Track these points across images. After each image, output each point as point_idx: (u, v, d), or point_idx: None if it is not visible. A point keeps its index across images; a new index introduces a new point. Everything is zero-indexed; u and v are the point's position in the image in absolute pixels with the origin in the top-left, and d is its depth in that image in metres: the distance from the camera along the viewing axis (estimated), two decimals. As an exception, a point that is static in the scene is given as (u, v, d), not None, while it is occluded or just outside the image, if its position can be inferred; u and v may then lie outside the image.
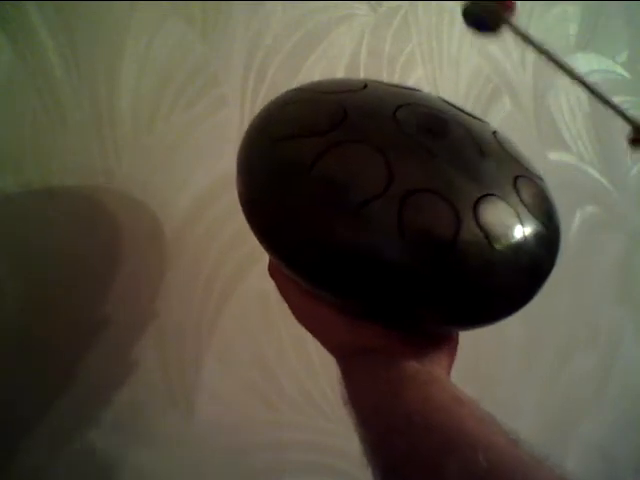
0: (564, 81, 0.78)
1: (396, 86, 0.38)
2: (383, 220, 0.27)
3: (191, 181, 0.51)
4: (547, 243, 0.31)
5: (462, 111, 0.36)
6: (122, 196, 0.48)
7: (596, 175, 0.83)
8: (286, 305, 0.37)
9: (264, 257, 0.56)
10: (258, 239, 0.32)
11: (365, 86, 0.35)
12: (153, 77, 0.48)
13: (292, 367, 0.57)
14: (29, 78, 0.43)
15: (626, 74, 0.85)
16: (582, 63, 0.80)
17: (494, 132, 0.35)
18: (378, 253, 0.27)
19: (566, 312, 0.82)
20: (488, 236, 0.27)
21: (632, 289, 0.90)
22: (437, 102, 0.36)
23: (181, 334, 0.51)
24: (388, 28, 0.62)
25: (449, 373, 0.32)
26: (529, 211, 0.30)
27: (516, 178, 0.31)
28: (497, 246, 0.28)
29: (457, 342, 0.34)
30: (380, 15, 0.61)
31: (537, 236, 0.30)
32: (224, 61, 0.51)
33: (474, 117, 0.36)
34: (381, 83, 0.38)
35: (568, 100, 0.79)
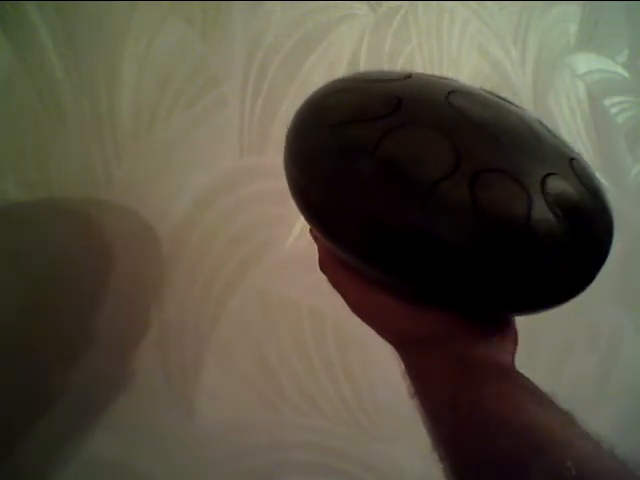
0: (564, 81, 0.79)
1: (437, 76, 0.38)
2: (455, 199, 0.27)
3: (191, 181, 0.51)
4: (608, 224, 0.31)
5: (504, 99, 0.36)
6: (122, 196, 0.48)
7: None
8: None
9: (264, 257, 0.56)
10: (317, 227, 0.32)
11: (410, 76, 0.35)
12: (153, 77, 0.48)
13: (292, 367, 0.57)
14: (29, 78, 0.43)
15: (626, 74, 0.85)
16: (582, 63, 0.80)
17: (539, 120, 0.36)
18: (451, 232, 0.27)
19: (566, 312, 0.81)
20: (557, 214, 0.28)
21: (632, 289, 0.90)
22: (480, 90, 0.36)
23: (181, 334, 0.51)
24: (388, 28, 0.62)
25: (514, 361, 0.31)
26: (589, 191, 0.30)
27: (571, 160, 0.31)
28: (566, 225, 0.28)
29: (516, 329, 0.33)
30: (380, 15, 0.61)
31: (599, 216, 0.30)
32: (224, 61, 0.51)
33: (517, 105, 0.36)
34: (423, 73, 0.38)
35: (568, 100, 0.79)
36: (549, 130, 0.34)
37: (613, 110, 0.83)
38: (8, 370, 0.44)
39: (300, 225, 0.56)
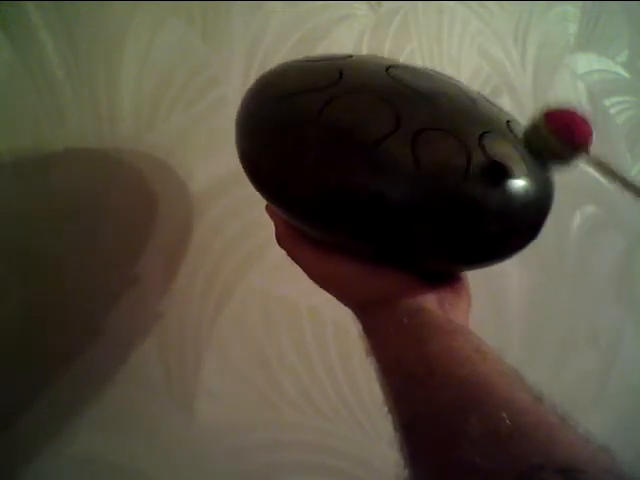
0: (564, 81, 0.79)
1: (379, 56, 0.41)
2: (398, 156, 0.28)
3: (191, 181, 0.51)
4: (546, 178, 0.32)
5: (444, 74, 0.38)
6: (122, 196, 0.48)
7: (596, 175, 0.83)
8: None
9: (264, 257, 0.56)
10: (267, 196, 0.34)
11: (351, 56, 0.37)
12: (153, 77, 0.48)
13: (292, 367, 0.57)
14: (29, 78, 0.43)
15: (626, 74, 0.85)
16: (582, 63, 0.80)
17: (478, 91, 0.38)
18: (394, 188, 0.28)
19: (566, 312, 0.82)
20: (496, 170, 0.29)
21: (632, 289, 0.90)
22: (421, 67, 0.39)
23: (181, 334, 0.51)
24: (388, 28, 0.62)
25: (468, 319, 0.32)
26: (526, 148, 0.31)
27: (508, 122, 0.33)
28: (504, 179, 0.29)
29: (469, 290, 0.35)
30: (380, 15, 0.61)
31: (537, 170, 0.31)
32: (224, 61, 0.51)
33: (457, 80, 0.38)
34: (365, 54, 0.39)
35: (568, 100, 0.79)
36: (487, 99, 0.36)
37: (613, 110, 0.83)
38: (8, 370, 0.44)
39: (300, 225, 0.56)
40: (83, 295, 0.46)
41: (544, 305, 0.79)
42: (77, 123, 0.45)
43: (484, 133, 0.30)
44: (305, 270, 0.36)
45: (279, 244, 0.37)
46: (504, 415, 0.22)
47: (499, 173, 0.29)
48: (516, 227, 0.31)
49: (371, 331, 0.32)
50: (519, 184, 0.29)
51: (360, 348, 0.61)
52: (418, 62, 0.64)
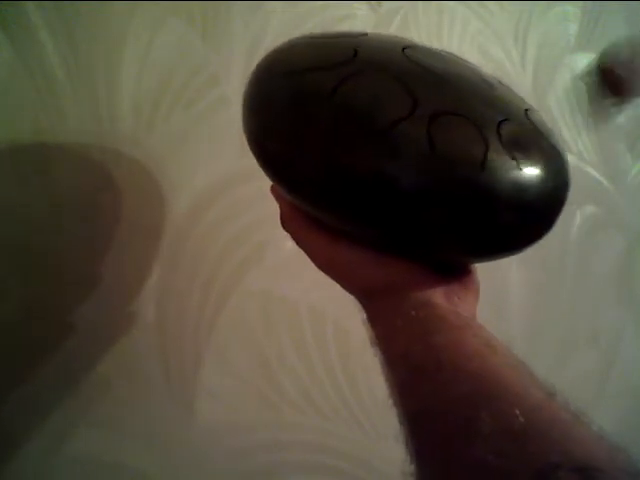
0: (564, 81, 0.78)
1: (393, 35, 0.39)
2: (413, 139, 0.27)
3: (191, 181, 0.51)
4: (564, 168, 0.31)
5: (461, 58, 0.37)
6: (122, 196, 0.48)
7: (596, 175, 0.83)
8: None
9: (264, 257, 0.56)
10: (274, 175, 0.32)
11: (366, 34, 0.35)
12: (153, 77, 0.48)
13: (292, 367, 0.57)
14: (29, 78, 0.43)
15: (626, 74, 0.85)
16: (582, 63, 0.80)
17: (495, 76, 0.36)
18: (408, 172, 0.27)
19: (566, 312, 0.81)
20: (514, 157, 0.28)
21: (632, 289, 0.90)
22: (437, 49, 0.37)
23: (181, 334, 0.51)
24: (388, 28, 0.62)
25: (475, 313, 0.32)
26: (543, 137, 0.31)
27: (526, 110, 0.32)
28: (522, 167, 0.28)
29: (479, 282, 0.34)
30: (380, 15, 0.61)
31: (555, 160, 0.30)
32: (224, 61, 0.51)
33: (474, 65, 0.37)
34: (380, 33, 0.38)
35: (568, 100, 0.79)
36: (505, 85, 0.35)
37: (613, 110, 0.83)
38: (8, 370, 0.44)
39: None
40: (83, 295, 0.46)
41: (544, 305, 0.79)
42: (77, 123, 0.45)
43: (502, 120, 0.29)
44: (309, 254, 0.35)
45: (283, 227, 0.36)
46: (517, 412, 0.22)
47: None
48: (531, 218, 0.30)
49: (376, 320, 0.31)
50: (536, 174, 0.28)
51: (360, 348, 0.61)
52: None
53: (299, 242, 0.35)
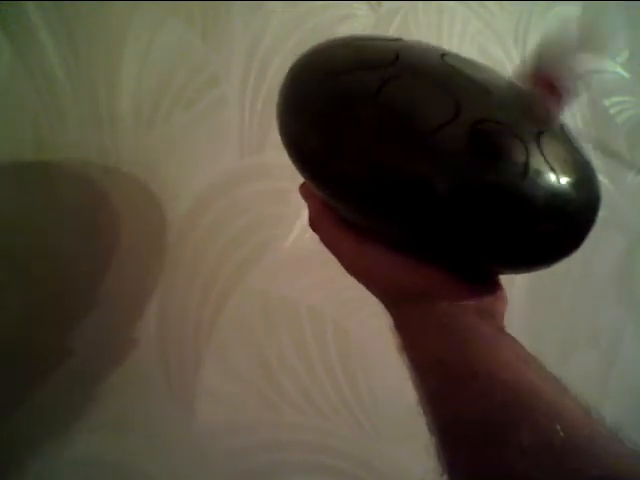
0: (564, 81, 0.78)
1: (429, 44, 0.40)
2: (456, 145, 0.27)
3: (191, 181, 0.51)
4: (596, 181, 0.32)
5: (491, 68, 0.37)
6: (122, 196, 0.48)
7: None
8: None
9: (264, 257, 0.56)
10: (310, 174, 0.32)
11: (399, 39, 0.36)
12: (153, 77, 0.48)
13: (292, 367, 0.57)
14: (29, 78, 0.43)
15: (626, 74, 0.85)
16: (582, 63, 0.80)
17: (528, 89, 0.37)
18: (451, 177, 0.27)
19: (566, 312, 0.81)
20: (553, 168, 0.28)
21: (632, 289, 0.90)
22: (470, 58, 0.37)
23: (181, 334, 0.51)
24: (388, 28, 0.62)
25: (504, 323, 0.31)
26: (578, 150, 0.31)
27: (562, 125, 0.32)
28: (561, 178, 0.28)
29: (506, 294, 0.33)
30: (380, 15, 0.61)
31: (590, 173, 0.31)
32: (224, 61, 0.51)
33: (505, 75, 0.37)
34: (413, 40, 0.38)
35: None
36: None
37: (613, 110, 0.83)
38: (9, 371, 0.44)
39: (300, 225, 0.56)
40: (83, 295, 0.46)
41: (544, 305, 0.79)
42: (77, 123, 0.45)
43: (541, 132, 0.29)
44: (337, 255, 0.34)
45: (312, 227, 0.35)
46: (558, 427, 0.22)
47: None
48: (567, 228, 0.30)
49: (405, 327, 0.31)
50: (574, 186, 0.29)
51: (361, 347, 0.61)
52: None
53: (327, 242, 0.35)
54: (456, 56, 0.34)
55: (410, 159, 0.28)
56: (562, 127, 0.32)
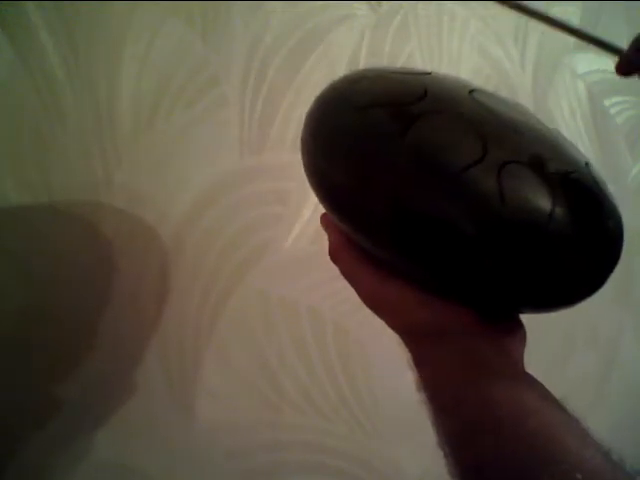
0: (564, 81, 0.78)
1: (455, 76, 0.40)
2: (483, 187, 0.27)
3: (191, 181, 0.51)
4: (620, 227, 0.32)
5: (518, 103, 0.37)
6: (122, 196, 0.48)
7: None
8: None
9: (264, 257, 0.56)
10: (338, 209, 0.32)
11: (429, 73, 0.35)
12: (153, 77, 0.48)
13: (292, 367, 0.57)
14: (29, 78, 0.43)
15: (626, 74, 0.85)
16: (582, 63, 0.80)
17: (554, 128, 0.37)
18: (477, 219, 0.27)
19: (566, 312, 0.81)
20: (580, 211, 0.28)
21: (632, 289, 0.90)
22: (496, 93, 0.37)
23: (181, 335, 0.51)
24: (388, 28, 0.62)
25: (523, 361, 0.31)
26: (605, 192, 0.31)
27: (586, 163, 0.32)
28: (587, 221, 0.29)
29: (525, 332, 0.33)
30: (380, 15, 0.61)
31: (614, 218, 0.31)
32: (224, 61, 0.51)
33: (530, 111, 0.37)
34: (443, 74, 0.38)
35: (568, 100, 0.79)
36: (563, 136, 0.35)
37: (613, 110, 0.83)
38: (9, 371, 0.44)
39: (300, 225, 0.56)
40: (83, 295, 0.46)
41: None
42: (77, 123, 0.45)
43: (568, 173, 0.29)
44: (356, 288, 0.34)
45: (332, 258, 0.35)
46: (579, 477, 0.22)
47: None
48: (590, 271, 0.30)
49: (423, 364, 0.30)
50: (599, 230, 0.29)
51: (360, 347, 0.61)
52: (418, 62, 0.64)
53: (347, 274, 0.34)
54: (484, 92, 0.34)
55: (436, 198, 0.28)
56: (587, 165, 0.32)
